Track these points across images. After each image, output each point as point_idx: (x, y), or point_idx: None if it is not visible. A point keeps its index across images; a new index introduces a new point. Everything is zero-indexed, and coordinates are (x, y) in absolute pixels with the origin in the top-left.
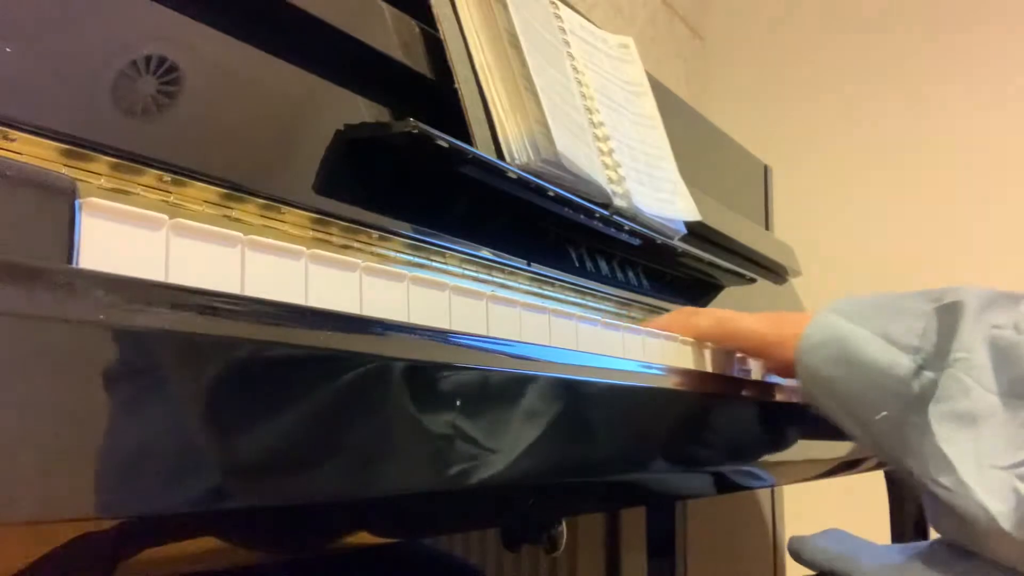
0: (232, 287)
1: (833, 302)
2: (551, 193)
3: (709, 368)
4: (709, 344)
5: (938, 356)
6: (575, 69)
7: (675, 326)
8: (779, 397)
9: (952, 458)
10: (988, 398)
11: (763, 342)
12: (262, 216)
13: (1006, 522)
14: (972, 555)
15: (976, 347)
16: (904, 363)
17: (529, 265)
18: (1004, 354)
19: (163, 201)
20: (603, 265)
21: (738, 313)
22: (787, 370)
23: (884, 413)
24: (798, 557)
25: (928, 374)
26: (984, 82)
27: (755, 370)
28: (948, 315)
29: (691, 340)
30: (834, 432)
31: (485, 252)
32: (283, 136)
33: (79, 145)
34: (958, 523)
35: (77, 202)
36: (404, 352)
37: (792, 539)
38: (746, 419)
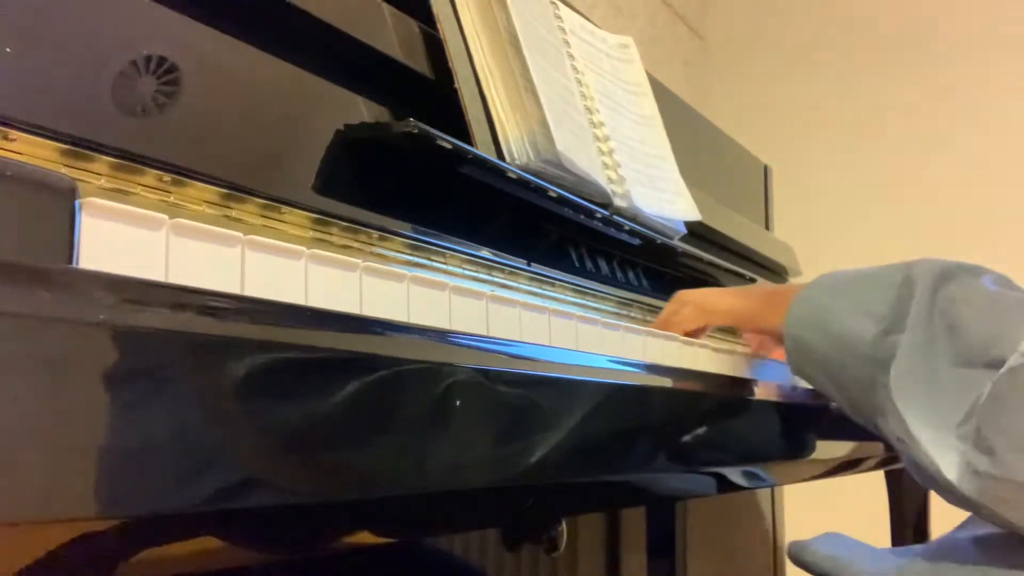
0: (232, 287)
1: (818, 276)
2: (551, 193)
3: (709, 368)
4: (709, 344)
5: (897, 321)
6: (575, 69)
7: (668, 327)
8: (779, 397)
9: (903, 413)
10: (937, 364)
11: (740, 317)
12: (262, 216)
13: (951, 475)
14: (973, 558)
15: (931, 315)
16: (872, 329)
17: (529, 265)
18: (953, 325)
19: (163, 201)
20: (603, 265)
21: (715, 292)
22: (765, 333)
23: (853, 372)
24: (798, 561)
25: (891, 338)
26: (984, 82)
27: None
28: (908, 285)
29: (691, 340)
30: (834, 432)
31: (485, 252)
32: (283, 136)
33: (79, 145)
34: (923, 473)
35: (77, 202)
36: (404, 352)
37: (792, 544)
38: (746, 419)
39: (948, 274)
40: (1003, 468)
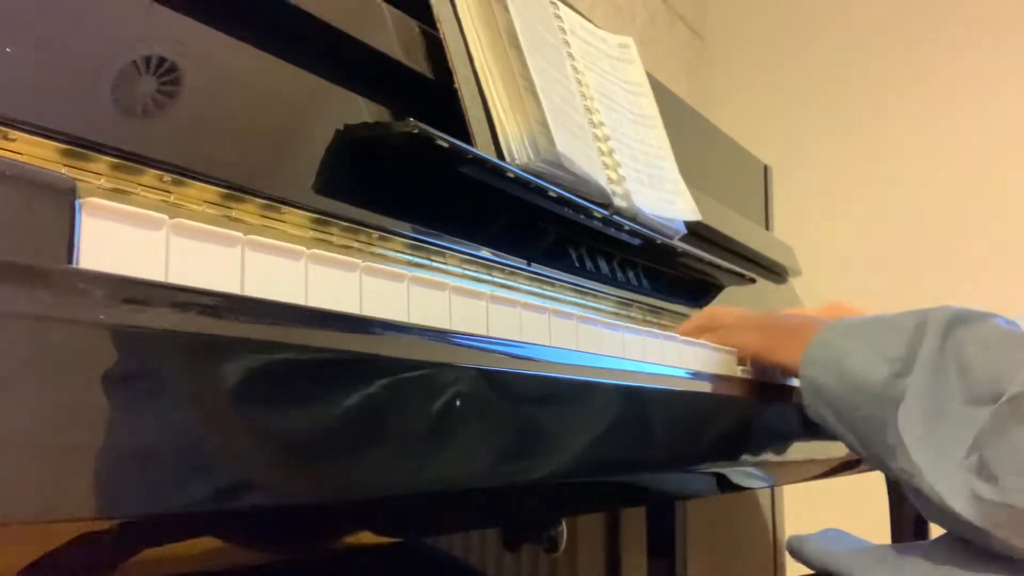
0: (232, 287)
1: (836, 319)
2: (551, 193)
3: (709, 368)
4: (709, 344)
5: (908, 363)
6: (575, 69)
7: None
8: (779, 398)
9: (908, 446)
10: (947, 402)
11: (761, 351)
12: (262, 216)
13: (956, 505)
14: (971, 555)
15: (941, 357)
16: (884, 371)
17: (529, 265)
18: (965, 365)
19: (163, 201)
20: (603, 265)
21: (742, 326)
22: (779, 368)
23: (864, 412)
24: (797, 556)
25: (902, 380)
26: (985, 82)
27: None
28: (920, 328)
29: (692, 340)
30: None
31: (485, 252)
32: (283, 136)
33: (79, 145)
34: (932, 507)
35: (77, 202)
36: (404, 352)
37: (791, 538)
38: (746, 419)
39: (960, 318)
40: (1006, 494)
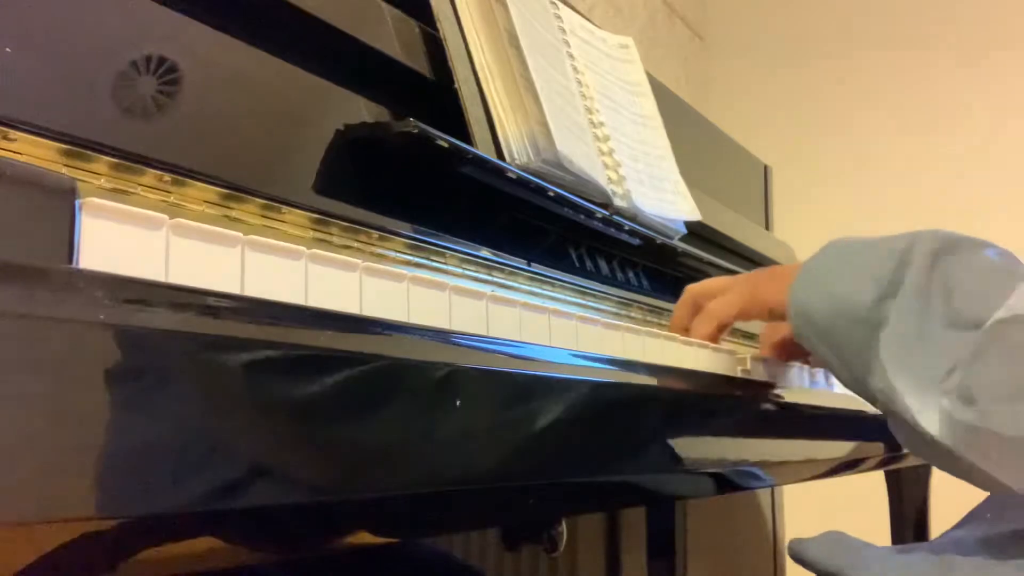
0: (232, 287)
1: (828, 243)
2: (551, 193)
3: (709, 368)
4: (710, 344)
5: (894, 285)
6: (575, 69)
7: (683, 334)
8: (779, 397)
9: (887, 367)
10: (929, 325)
11: (746, 298)
12: (262, 216)
13: (932, 428)
14: (977, 557)
15: (928, 280)
16: (872, 293)
17: (529, 265)
18: (951, 290)
19: (163, 201)
20: (603, 265)
21: (719, 288)
22: (769, 309)
23: (848, 334)
24: (798, 559)
25: (888, 302)
26: (985, 82)
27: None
28: (907, 253)
29: (691, 340)
30: (834, 432)
31: (485, 252)
32: (283, 136)
33: (79, 145)
34: (909, 432)
35: (77, 202)
36: (404, 352)
37: (792, 541)
38: (746, 419)
39: (950, 244)
40: (985, 419)
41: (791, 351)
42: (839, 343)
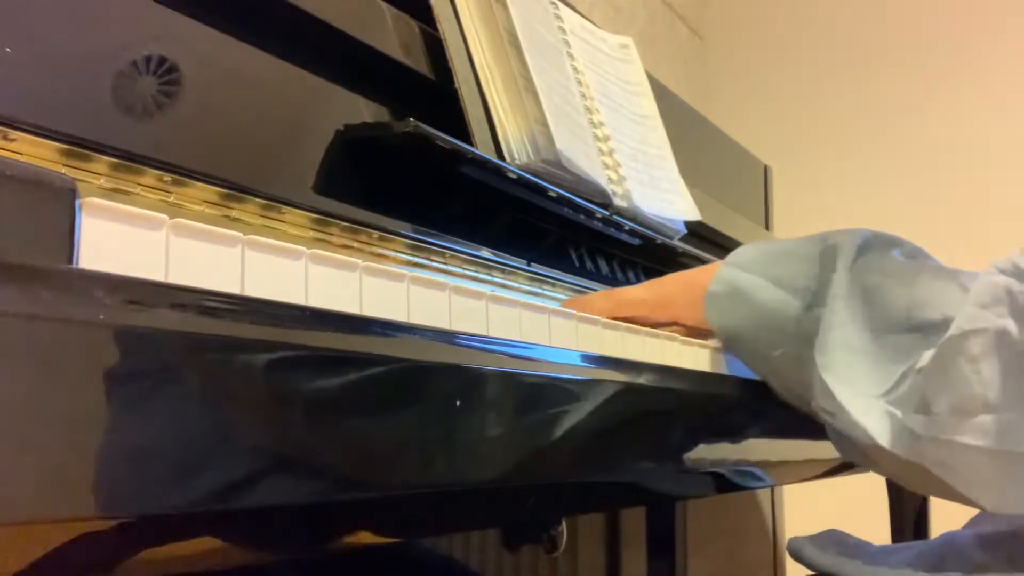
0: (232, 287)
1: (731, 254)
2: (551, 193)
3: (709, 368)
4: (710, 344)
5: (820, 295)
6: (575, 69)
7: (580, 308)
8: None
9: (831, 385)
10: (860, 334)
11: (653, 307)
12: (262, 216)
13: (884, 441)
14: (976, 556)
15: (848, 288)
16: (794, 304)
17: (529, 265)
18: (871, 295)
19: (163, 201)
20: (603, 265)
21: (630, 287)
22: (685, 325)
23: (781, 351)
24: (798, 558)
25: (815, 312)
26: (985, 82)
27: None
28: (828, 258)
29: (691, 340)
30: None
31: (485, 252)
32: (283, 136)
33: (79, 145)
34: (851, 445)
35: (77, 202)
36: (404, 352)
37: (792, 540)
38: (746, 419)
39: (865, 245)
40: (943, 430)
41: None
42: (772, 360)
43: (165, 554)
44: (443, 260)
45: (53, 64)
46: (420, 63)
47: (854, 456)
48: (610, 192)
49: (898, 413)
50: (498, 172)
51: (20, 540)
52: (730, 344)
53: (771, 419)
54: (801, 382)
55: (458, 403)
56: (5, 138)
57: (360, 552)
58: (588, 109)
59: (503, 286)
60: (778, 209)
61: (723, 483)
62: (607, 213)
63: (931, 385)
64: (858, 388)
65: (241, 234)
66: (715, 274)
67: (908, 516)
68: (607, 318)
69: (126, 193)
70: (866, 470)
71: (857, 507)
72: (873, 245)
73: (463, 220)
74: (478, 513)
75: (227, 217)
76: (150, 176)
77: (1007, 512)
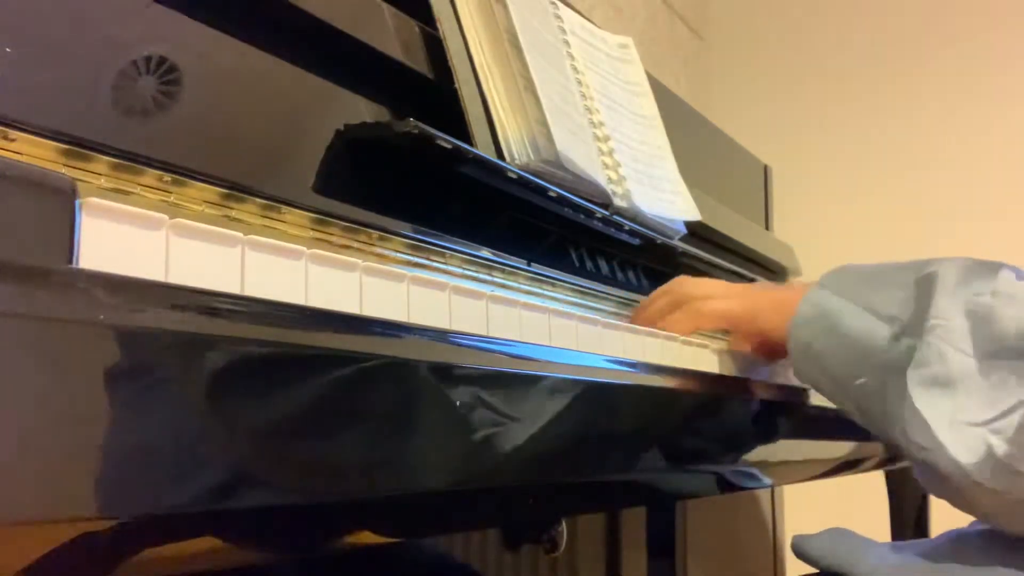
0: (232, 287)
1: (824, 275)
2: (551, 193)
3: (709, 368)
4: (710, 344)
5: (915, 324)
6: (575, 69)
7: (651, 324)
8: (779, 397)
9: (928, 418)
10: (964, 361)
11: (738, 320)
12: (262, 216)
13: (978, 474)
14: (979, 553)
15: (952, 314)
16: (883, 332)
17: (529, 265)
18: (980, 318)
19: (163, 201)
20: (603, 265)
21: (710, 289)
22: (765, 338)
23: (864, 380)
24: (801, 555)
25: (906, 341)
26: (985, 82)
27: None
28: (926, 285)
29: (691, 340)
30: (834, 432)
31: (485, 252)
32: (283, 136)
33: (79, 145)
34: (940, 482)
35: (77, 202)
36: (404, 352)
37: (795, 537)
38: (746, 419)
39: (969, 271)
40: None
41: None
42: (852, 388)
43: (165, 554)
44: (443, 260)
45: (53, 64)
46: (420, 63)
47: (945, 494)
48: (610, 192)
49: (1003, 445)
50: (498, 172)
51: (20, 540)
52: (807, 367)
53: (771, 419)
54: (887, 415)
55: (458, 403)
56: (5, 138)
57: (360, 552)
58: (588, 109)
59: (503, 286)
60: (778, 209)
61: (723, 483)
62: (607, 213)
63: None
64: (958, 417)
65: (241, 234)
66: (805, 295)
67: (908, 516)
68: (689, 332)
69: (126, 193)
70: (866, 470)
71: (857, 507)
72: (976, 272)
73: (463, 220)
74: (478, 513)
75: (227, 217)
76: (150, 176)
77: None
